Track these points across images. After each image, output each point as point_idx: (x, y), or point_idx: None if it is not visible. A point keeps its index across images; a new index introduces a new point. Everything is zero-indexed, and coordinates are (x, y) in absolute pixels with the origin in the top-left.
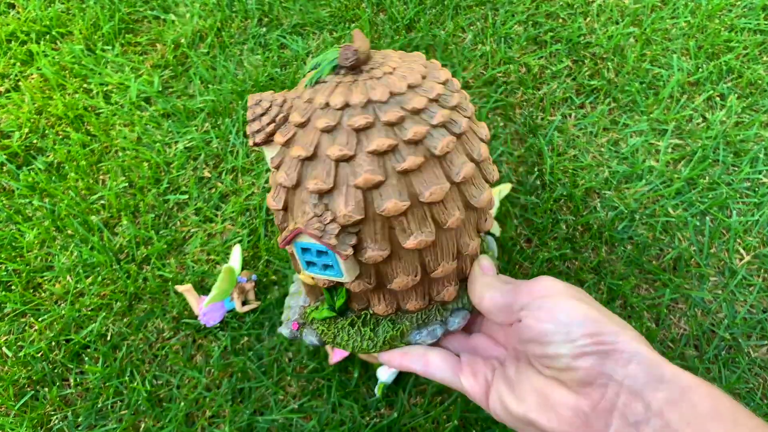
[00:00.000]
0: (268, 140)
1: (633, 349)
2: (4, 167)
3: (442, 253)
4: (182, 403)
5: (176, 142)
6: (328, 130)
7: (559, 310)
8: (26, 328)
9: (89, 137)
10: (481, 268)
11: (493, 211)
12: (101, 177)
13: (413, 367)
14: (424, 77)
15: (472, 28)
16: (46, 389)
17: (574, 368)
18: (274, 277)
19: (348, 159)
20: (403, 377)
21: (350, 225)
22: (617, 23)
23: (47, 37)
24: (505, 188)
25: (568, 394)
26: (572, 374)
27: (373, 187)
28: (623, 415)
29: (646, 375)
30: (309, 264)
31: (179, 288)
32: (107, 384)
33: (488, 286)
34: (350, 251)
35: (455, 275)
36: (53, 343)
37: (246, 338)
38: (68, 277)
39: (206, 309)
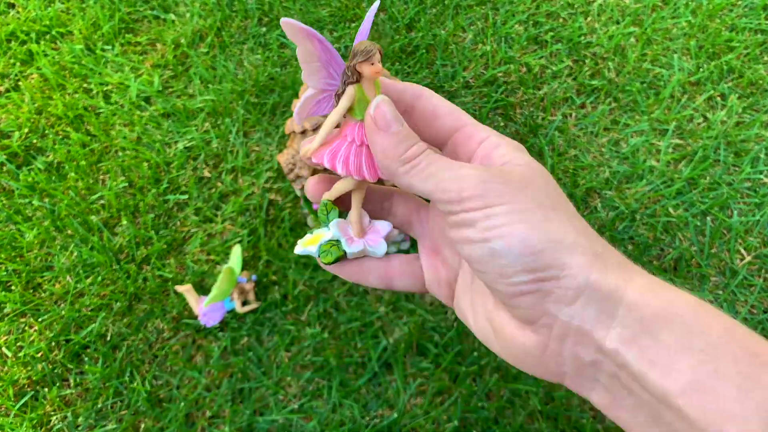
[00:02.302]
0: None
1: (581, 282)
2: (4, 167)
3: None
4: (182, 404)
5: (176, 142)
6: None
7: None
8: (26, 328)
9: (89, 137)
10: (375, 121)
11: None
12: (101, 177)
13: (372, 282)
14: None
15: (472, 27)
16: (46, 389)
17: (515, 306)
18: (274, 277)
19: None
20: (398, 366)
21: None
22: (618, 23)
23: (47, 36)
24: None
25: (517, 329)
26: (514, 311)
27: None
28: (576, 356)
29: (596, 311)
30: None
31: (179, 288)
32: (107, 384)
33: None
34: None
35: None
36: (53, 344)
37: (246, 338)
38: (68, 278)
39: (206, 309)
